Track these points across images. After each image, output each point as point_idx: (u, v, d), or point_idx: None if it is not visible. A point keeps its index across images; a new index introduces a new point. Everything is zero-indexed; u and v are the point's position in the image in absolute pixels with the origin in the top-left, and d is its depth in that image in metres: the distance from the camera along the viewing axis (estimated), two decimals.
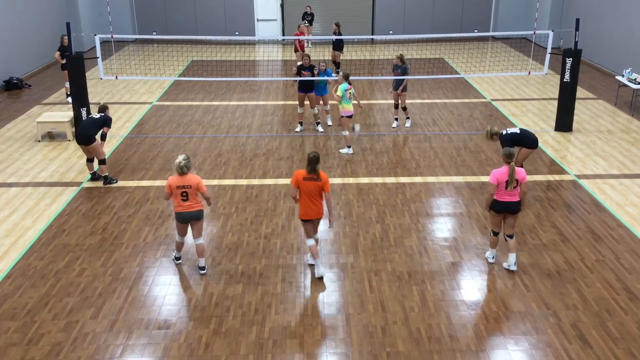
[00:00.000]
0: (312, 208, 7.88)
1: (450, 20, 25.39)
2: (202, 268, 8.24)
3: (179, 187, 7.77)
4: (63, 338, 6.94)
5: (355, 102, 12.80)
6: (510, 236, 8.25)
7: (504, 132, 10.41)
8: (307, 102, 14.00)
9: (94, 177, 11.24)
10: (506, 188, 7.89)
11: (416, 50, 23.05)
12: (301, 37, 18.78)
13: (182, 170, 7.74)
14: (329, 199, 7.96)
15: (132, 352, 6.74)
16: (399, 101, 14.10)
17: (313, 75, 13.60)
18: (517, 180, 7.90)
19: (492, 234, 8.34)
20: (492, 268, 8.33)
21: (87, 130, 10.85)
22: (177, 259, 8.51)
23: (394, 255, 8.69)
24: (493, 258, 8.47)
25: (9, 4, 18.28)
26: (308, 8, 22.42)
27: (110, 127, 11.20)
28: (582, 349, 6.75)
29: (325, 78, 13.79)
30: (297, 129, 13.99)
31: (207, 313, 7.40)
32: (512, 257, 8.25)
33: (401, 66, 13.73)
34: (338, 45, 18.97)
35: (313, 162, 7.75)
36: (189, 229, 8.27)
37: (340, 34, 18.62)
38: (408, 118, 14.33)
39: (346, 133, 12.49)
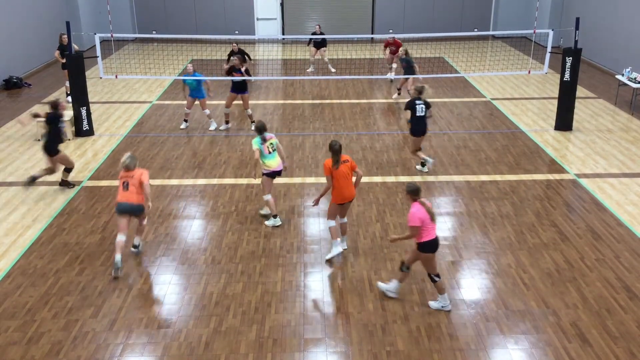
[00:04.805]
0: (347, 190, 8.31)
1: (450, 19, 25.39)
2: (134, 246, 8.44)
3: (122, 178, 8.18)
4: (63, 337, 6.95)
5: (279, 155, 9.45)
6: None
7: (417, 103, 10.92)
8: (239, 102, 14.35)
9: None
10: (432, 220, 7.14)
11: (416, 49, 23.02)
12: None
13: (128, 168, 8.15)
14: (360, 175, 8.47)
15: (132, 351, 6.75)
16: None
17: (248, 75, 13.82)
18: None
19: (436, 279, 7.34)
20: (491, 267, 8.34)
21: None
22: (116, 269, 8.00)
23: (393, 254, 8.69)
24: (450, 303, 7.46)
25: (9, 3, 18.26)
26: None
27: None
28: (581, 347, 6.76)
29: (196, 78, 13.75)
30: (222, 127, 14.14)
31: (207, 312, 7.41)
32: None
33: (404, 58, 13.81)
34: (321, 44, 19.58)
35: (337, 152, 8.26)
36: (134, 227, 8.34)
37: (322, 34, 19.58)
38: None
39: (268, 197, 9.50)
